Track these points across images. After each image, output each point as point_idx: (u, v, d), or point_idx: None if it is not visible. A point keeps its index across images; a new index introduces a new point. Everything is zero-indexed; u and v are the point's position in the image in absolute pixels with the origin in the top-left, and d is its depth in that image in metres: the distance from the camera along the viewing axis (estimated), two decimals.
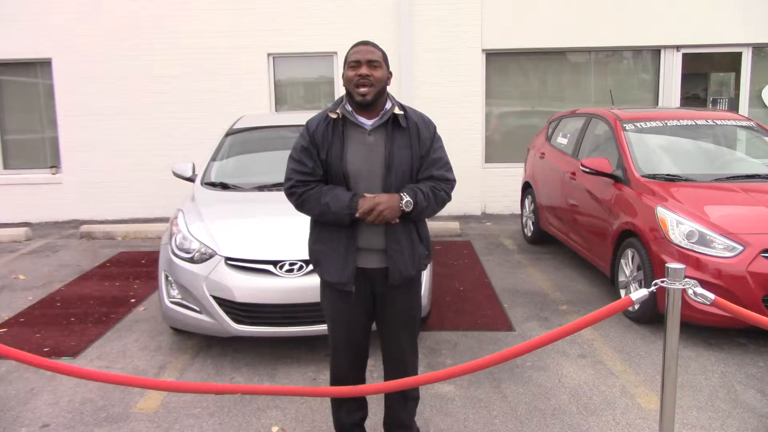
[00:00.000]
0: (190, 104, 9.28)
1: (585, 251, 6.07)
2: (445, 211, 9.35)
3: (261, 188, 5.09)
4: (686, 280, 2.58)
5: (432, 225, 8.31)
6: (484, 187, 9.58)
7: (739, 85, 9.65)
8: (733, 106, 9.70)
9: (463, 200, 9.42)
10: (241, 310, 4.20)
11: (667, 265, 2.57)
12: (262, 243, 4.33)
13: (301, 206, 2.83)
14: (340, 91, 9.30)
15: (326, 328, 4.23)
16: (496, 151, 9.72)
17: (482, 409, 3.72)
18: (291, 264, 4.20)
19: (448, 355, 4.48)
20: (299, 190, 2.78)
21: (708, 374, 4.14)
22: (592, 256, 5.90)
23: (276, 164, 5.49)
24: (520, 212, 8.30)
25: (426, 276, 4.57)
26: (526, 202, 7.89)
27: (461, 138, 9.32)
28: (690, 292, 2.60)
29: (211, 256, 4.29)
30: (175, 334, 4.86)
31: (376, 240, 2.79)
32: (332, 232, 2.81)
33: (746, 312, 2.62)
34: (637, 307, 5.00)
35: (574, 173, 6.35)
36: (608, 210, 5.53)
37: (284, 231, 4.42)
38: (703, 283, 4.42)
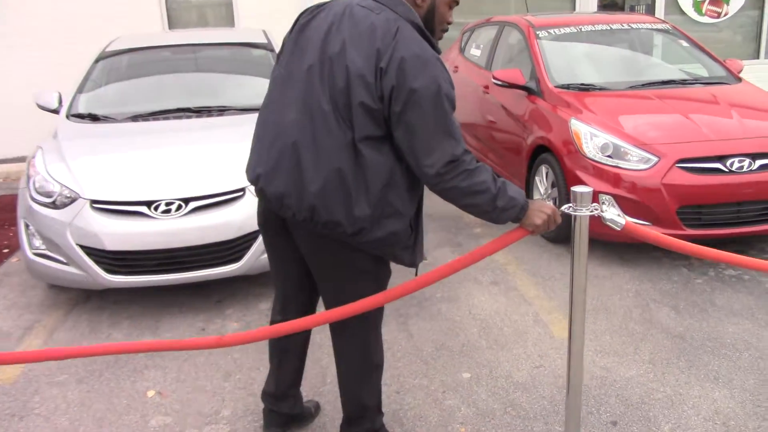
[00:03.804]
0: (69, 29, 8.30)
1: (500, 169, 5.77)
2: None
3: (135, 118, 4.49)
4: (594, 205, 2.24)
5: None
6: None
7: None
8: (650, 11, 9.44)
9: None
10: (113, 259, 3.70)
11: (572, 188, 2.23)
12: (133, 181, 3.80)
13: (466, 179, 2.01)
14: (240, 12, 8.51)
15: (210, 273, 3.84)
16: None
17: (386, 350, 3.41)
18: (168, 204, 3.71)
19: None
20: (470, 156, 2.04)
21: (622, 294, 3.95)
22: (508, 174, 5.60)
23: (155, 90, 4.90)
24: None
25: None
26: None
27: None
28: (601, 217, 2.27)
29: (74, 200, 3.74)
30: (50, 288, 4.33)
31: None
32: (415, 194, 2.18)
33: (659, 236, 2.32)
34: None
35: (487, 86, 5.97)
36: (522, 125, 5.20)
37: (159, 166, 3.90)
38: (619, 198, 4.19)
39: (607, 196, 4.23)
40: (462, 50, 7.07)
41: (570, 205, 2.27)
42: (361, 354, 2.37)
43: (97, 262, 3.71)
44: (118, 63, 5.10)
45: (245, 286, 4.20)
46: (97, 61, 5.10)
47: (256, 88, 4.90)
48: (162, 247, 3.69)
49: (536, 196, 5.01)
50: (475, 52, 6.69)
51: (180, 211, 3.70)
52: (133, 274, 3.74)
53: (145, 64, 5.10)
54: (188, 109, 4.55)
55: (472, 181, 2.01)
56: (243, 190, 3.82)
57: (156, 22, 8.47)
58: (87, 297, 4.17)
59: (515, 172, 5.39)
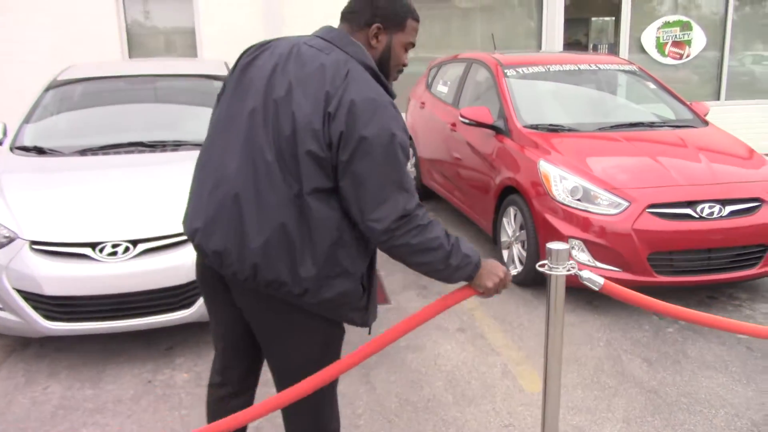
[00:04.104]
0: (25, 53, 8.01)
1: (467, 209, 5.64)
2: None
3: (84, 152, 4.23)
4: (571, 263, 2.09)
5: None
6: None
7: (618, 30, 9.47)
8: (613, 51, 9.54)
9: None
10: (53, 305, 3.43)
11: (547, 245, 2.07)
12: (77, 221, 3.54)
13: (418, 235, 1.83)
14: (203, 41, 8.33)
15: (159, 320, 3.59)
16: None
17: (346, 406, 3.20)
18: (114, 246, 3.46)
19: None
20: (422, 211, 1.88)
21: (593, 343, 3.81)
22: (474, 213, 5.47)
23: (107, 123, 4.67)
24: None
25: None
26: None
27: None
28: (578, 276, 2.12)
29: (11, 240, 3.47)
30: None
31: None
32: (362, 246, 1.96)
33: (638, 297, 2.18)
34: (519, 270, 4.62)
35: (454, 124, 5.86)
36: (489, 164, 5.09)
37: (107, 205, 3.66)
38: (588, 243, 4.07)
39: (577, 241, 4.11)
40: (429, 86, 6.98)
41: (545, 262, 2.12)
42: (313, 422, 2.15)
43: (36, 308, 3.44)
44: (70, 92, 4.86)
45: (197, 331, 3.94)
46: (47, 90, 4.85)
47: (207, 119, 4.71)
48: (107, 292, 3.44)
49: (504, 239, 4.88)
50: (442, 88, 6.60)
51: (127, 253, 3.46)
52: (74, 321, 3.47)
53: (98, 94, 4.86)
54: (141, 143, 4.32)
55: (425, 238, 1.83)
56: None
57: (115, 49, 8.24)
58: (26, 343, 3.86)
59: (482, 212, 5.26)
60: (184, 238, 3.58)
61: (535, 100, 5.28)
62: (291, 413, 2.12)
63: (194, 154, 4.29)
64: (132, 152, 4.25)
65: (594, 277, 2.12)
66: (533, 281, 4.54)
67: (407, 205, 1.80)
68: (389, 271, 5.01)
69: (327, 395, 2.13)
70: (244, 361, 2.21)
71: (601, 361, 3.61)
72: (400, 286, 4.71)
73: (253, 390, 2.31)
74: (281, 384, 2.06)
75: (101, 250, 3.45)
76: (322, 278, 1.85)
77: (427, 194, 6.90)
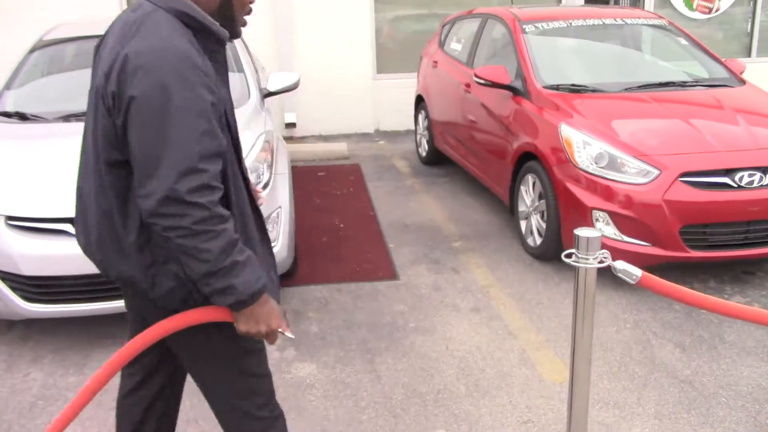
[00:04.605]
0: (17, 17, 7.65)
1: (482, 175, 5.29)
2: (333, 130, 8.37)
3: (68, 118, 3.92)
4: (603, 252, 1.76)
5: (317, 147, 7.36)
6: (377, 102, 8.60)
7: None
8: (637, 5, 9.00)
9: (354, 117, 8.43)
10: (32, 286, 3.17)
11: (576, 232, 1.74)
12: (57, 194, 3.25)
13: (186, 237, 1.46)
14: None
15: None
16: (388, 60, 8.68)
17: (348, 398, 2.93)
18: None
19: (314, 320, 3.63)
20: (221, 210, 1.51)
21: (619, 325, 3.50)
22: (490, 181, 5.13)
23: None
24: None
25: (284, 224, 3.66)
26: (420, 118, 7.01)
27: (348, 48, 8.23)
28: (612, 268, 1.80)
29: None
30: None
31: None
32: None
33: (683, 293, 1.85)
34: (539, 242, 4.30)
35: (468, 84, 5.48)
36: (506, 128, 4.72)
37: None
38: (614, 215, 3.73)
39: (602, 213, 3.77)
40: (441, 44, 6.57)
41: (572, 252, 1.79)
42: (236, 419, 1.85)
43: (13, 289, 3.19)
44: (55, 54, 4.53)
45: None
46: (31, 51, 4.52)
47: None
48: (91, 271, 3.15)
49: (521, 208, 4.54)
50: (455, 46, 6.19)
51: None
52: (56, 303, 3.22)
53: (87, 55, 4.52)
54: None
55: (193, 245, 1.46)
56: None
57: (114, 10, 7.86)
58: (9, 325, 3.62)
59: (498, 180, 4.91)
60: None
61: (556, 58, 4.88)
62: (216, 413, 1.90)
63: None
64: None
65: (629, 269, 1.81)
66: (554, 255, 4.22)
67: (180, 186, 1.42)
68: (397, 243, 4.70)
69: (235, 389, 1.82)
70: (155, 348, 1.86)
71: (629, 346, 3.30)
72: (409, 260, 4.40)
73: (165, 386, 2.02)
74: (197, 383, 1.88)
75: None
76: (151, 267, 1.60)
77: (440, 159, 6.55)
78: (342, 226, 5.07)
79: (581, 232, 1.76)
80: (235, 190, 1.64)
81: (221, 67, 1.65)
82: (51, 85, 4.35)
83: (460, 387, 2.99)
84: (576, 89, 4.47)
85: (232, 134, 1.66)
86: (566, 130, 4.04)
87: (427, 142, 6.70)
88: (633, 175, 3.75)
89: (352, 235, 4.86)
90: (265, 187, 3.58)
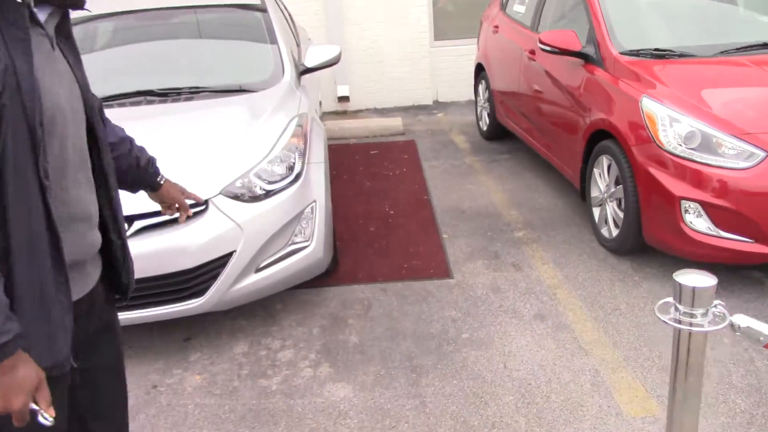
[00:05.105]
0: None
1: (549, 154, 4.71)
2: (389, 102, 7.87)
3: None
4: (718, 309, 1.25)
5: (370, 122, 6.88)
6: (435, 71, 8.02)
7: None
8: None
9: (410, 87, 7.90)
10: None
11: (678, 279, 1.23)
12: None
13: None
14: None
15: (162, 311, 2.97)
16: (448, 26, 8.07)
17: (388, 429, 2.50)
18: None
19: (354, 328, 3.21)
20: None
21: (713, 338, 2.92)
22: (558, 161, 4.55)
23: (111, 68, 4.00)
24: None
25: (320, 220, 3.23)
26: (480, 88, 6.42)
27: (404, 13, 7.66)
28: (734, 327, 1.28)
29: None
30: None
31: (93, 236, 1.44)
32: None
33: None
34: (615, 233, 3.73)
35: (533, 51, 4.87)
36: (576, 102, 4.13)
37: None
38: (708, 206, 3.13)
39: (693, 204, 3.17)
40: (503, 6, 5.93)
41: (669, 301, 1.29)
42: None
43: None
44: (76, 33, 4.18)
45: (219, 318, 3.32)
46: None
47: (238, 62, 3.96)
48: None
49: (594, 194, 3.97)
50: (518, 8, 5.56)
51: None
52: None
53: (105, 34, 4.18)
54: (150, 92, 3.63)
55: None
56: (206, 203, 2.91)
57: None
58: None
59: (567, 160, 4.33)
60: (192, 211, 2.89)
61: (635, 19, 4.21)
62: None
63: (208, 105, 3.65)
64: (138, 104, 3.56)
65: (756, 326, 1.27)
66: (632, 249, 3.65)
67: None
68: (452, 233, 4.21)
69: None
70: None
71: (727, 368, 2.74)
72: (465, 254, 3.91)
73: None
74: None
75: None
76: None
77: (502, 133, 5.98)
78: (392, 212, 4.61)
79: (684, 279, 1.24)
80: (15, 195, 1.19)
81: (17, 29, 1.19)
82: None
83: (519, 419, 2.51)
84: (660, 54, 3.83)
85: (29, 120, 1.19)
86: (649, 104, 3.43)
87: (488, 115, 6.13)
88: (732, 157, 3.13)
89: (402, 224, 4.39)
90: (296, 178, 3.16)
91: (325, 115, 7.26)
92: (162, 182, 1.97)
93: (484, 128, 6.29)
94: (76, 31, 4.06)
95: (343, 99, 7.79)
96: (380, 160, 5.84)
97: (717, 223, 3.14)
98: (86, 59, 3.95)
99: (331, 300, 3.48)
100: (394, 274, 3.73)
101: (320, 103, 5.80)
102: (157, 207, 2.83)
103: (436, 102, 8.10)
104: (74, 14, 4.21)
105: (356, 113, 7.77)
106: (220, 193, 2.94)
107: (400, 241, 4.14)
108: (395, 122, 6.87)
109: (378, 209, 4.68)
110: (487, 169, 5.43)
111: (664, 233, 3.35)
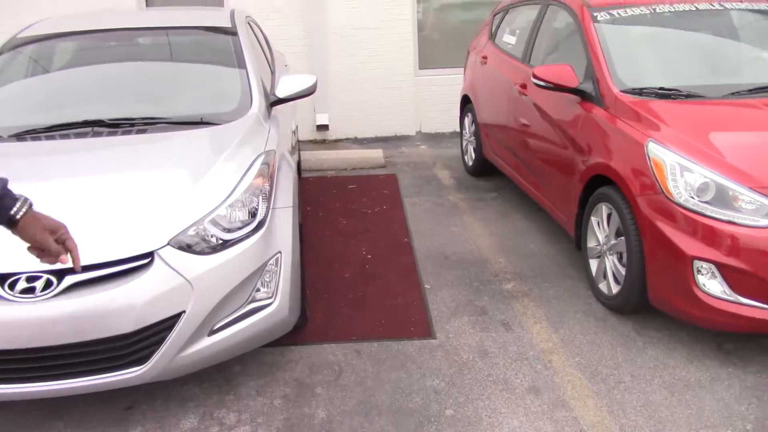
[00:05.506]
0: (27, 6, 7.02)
1: (540, 196, 4.37)
2: (370, 132, 7.52)
3: (22, 136, 3.16)
4: None
5: (350, 154, 6.52)
6: (420, 100, 7.70)
7: None
8: None
9: (393, 117, 7.56)
10: None
11: None
12: None
13: None
14: None
15: (97, 382, 2.55)
16: (434, 53, 7.77)
17: None
18: (30, 279, 2.40)
19: (322, 399, 2.79)
20: None
21: (736, 426, 2.55)
22: (550, 204, 4.20)
23: (62, 94, 3.61)
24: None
25: (285, 274, 2.83)
26: (466, 121, 6.09)
27: (388, 39, 7.35)
28: None
29: None
30: None
31: None
32: None
33: None
34: (615, 290, 3.37)
35: (524, 86, 4.55)
36: (572, 142, 3.79)
37: None
38: (724, 268, 2.78)
39: (707, 264, 2.82)
40: (492, 36, 5.63)
41: None
42: None
43: None
44: (29, 55, 3.79)
45: (168, 383, 2.88)
46: (0, 53, 3.79)
47: (201, 91, 3.58)
48: (21, 345, 2.40)
49: (591, 244, 3.61)
50: (508, 39, 5.25)
51: (49, 290, 2.40)
52: None
53: (60, 56, 3.79)
54: (99, 123, 3.22)
55: None
56: (151, 255, 2.50)
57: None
58: None
59: (561, 204, 3.98)
60: (132, 265, 2.49)
61: (638, 54, 3.90)
62: None
63: (162, 139, 3.17)
64: (84, 135, 3.15)
65: None
66: (635, 308, 3.28)
67: None
68: (435, 282, 3.83)
69: None
70: None
71: None
72: (449, 308, 3.53)
73: None
74: None
75: (12, 286, 2.39)
76: None
77: (489, 169, 5.64)
78: (370, 257, 4.22)
79: None
80: None
81: None
82: (14, 93, 3.60)
83: None
84: (665, 94, 3.50)
85: None
86: (656, 150, 3.09)
87: (474, 150, 5.79)
88: (750, 213, 2.79)
89: (380, 271, 4.00)
90: (259, 226, 2.76)
91: (302, 144, 6.89)
92: (19, 216, 1.52)
93: (470, 163, 5.95)
94: (32, 50, 3.67)
95: (322, 127, 7.43)
96: (359, 196, 5.46)
97: (734, 286, 2.79)
98: (38, 82, 3.57)
99: (297, 362, 3.07)
100: (370, 331, 3.33)
101: (296, 130, 5.42)
102: (94, 259, 2.47)
103: (419, 133, 7.77)
104: (30, 32, 3.79)
105: (335, 142, 7.42)
106: (168, 244, 2.53)
107: (377, 291, 3.74)
108: (376, 154, 6.51)
109: (354, 252, 4.29)
110: (473, 208, 5.06)
111: (672, 295, 2.99)
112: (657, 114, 3.33)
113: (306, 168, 6.23)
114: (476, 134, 5.69)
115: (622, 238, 3.26)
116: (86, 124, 3.21)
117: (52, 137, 3.13)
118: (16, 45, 3.85)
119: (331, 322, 3.41)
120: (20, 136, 3.15)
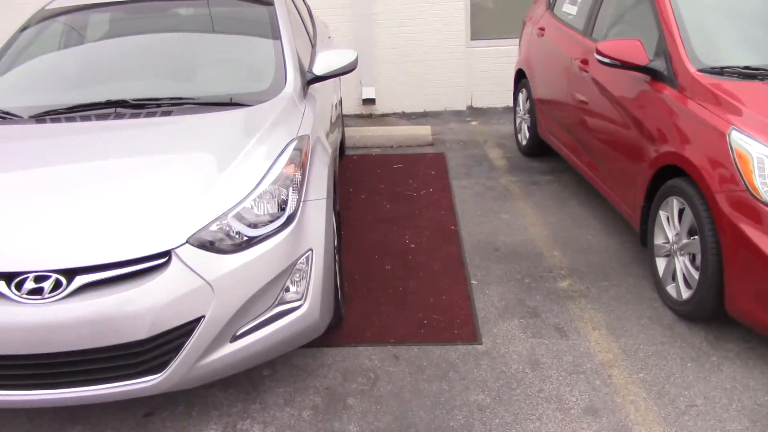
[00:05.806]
0: None
1: (601, 184, 3.99)
2: (419, 107, 7.18)
3: (41, 118, 2.97)
4: None
5: (396, 131, 6.22)
6: (471, 73, 7.30)
7: None
8: None
9: (443, 91, 7.20)
10: None
11: None
12: None
13: None
14: None
15: (110, 391, 2.36)
16: (486, 23, 7.34)
17: None
18: (38, 279, 2.21)
19: (354, 412, 2.55)
20: None
21: None
22: (612, 192, 3.83)
23: (87, 72, 3.40)
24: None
25: (316, 273, 2.57)
26: (520, 97, 5.69)
27: (439, 6, 6.95)
28: None
29: None
30: None
31: None
32: None
33: None
34: (686, 295, 3.00)
35: (586, 61, 4.15)
36: (639, 127, 3.40)
37: (36, 211, 2.38)
38: None
39: None
40: (550, 6, 5.20)
41: None
42: None
43: None
44: (53, 30, 3.59)
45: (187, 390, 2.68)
46: (23, 28, 3.60)
47: (232, 68, 3.32)
48: (28, 351, 2.22)
49: (659, 241, 3.25)
50: (569, 9, 4.82)
51: (58, 291, 2.20)
52: None
53: (87, 29, 3.59)
54: (123, 103, 3.00)
55: None
56: (167, 255, 2.27)
57: None
58: None
59: (624, 195, 3.61)
60: (147, 265, 2.27)
61: (719, 28, 3.45)
62: None
63: (190, 123, 2.96)
64: (107, 117, 2.93)
65: None
66: (709, 316, 2.92)
67: None
68: (483, 277, 3.53)
69: None
70: None
71: None
72: (497, 309, 3.23)
73: None
74: None
75: (19, 286, 2.20)
76: None
77: (544, 150, 5.26)
78: (413, 246, 3.93)
79: None
80: None
81: None
82: (37, 71, 3.41)
83: None
84: (751, 74, 3.08)
85: None
86: (740, 140, 2.70)
87: (529, 128, 5.41)
88: None
89: (424, 262, 3.72)
90: (289, 221, 2.50)
91: (347, 119, 6.61)
92: None
93: (524, 143, 5.57)
94: (60, 23, 3.45)
95: (369, 101, 7.13)
96: (404, 176, 5.17)
97: None
98: (63, 58, 3.36)
99: (329, 367, 2.83)
100: (410, 333, 3.06)
101: (339, 103, 5.14)
102: (106, 258, 2.26)
103: (470, 108, 7.39)
104: (58, 4, 3.58)
105: (382, 117, 7.11)
106: (187, 242, 2.30)
107: (419, 285, 3.47)
108: (423, 131, 6.18)
109: (397, 241, 4.01)
110: (526, 193, 4.71)
111: (754, 306, 2.62)
112: (740, 98, 2.92)
113: (350, 145, 5.96)
114: (531, 112, 5.30)
115: (696, 237, 2.89)
116: (109, 104, 3.00)
117: (73, 119, 2.92)
118: (44, 17, 3.66)
119: (368, 321, 3.16)
120: (40, 117, 2.95)
